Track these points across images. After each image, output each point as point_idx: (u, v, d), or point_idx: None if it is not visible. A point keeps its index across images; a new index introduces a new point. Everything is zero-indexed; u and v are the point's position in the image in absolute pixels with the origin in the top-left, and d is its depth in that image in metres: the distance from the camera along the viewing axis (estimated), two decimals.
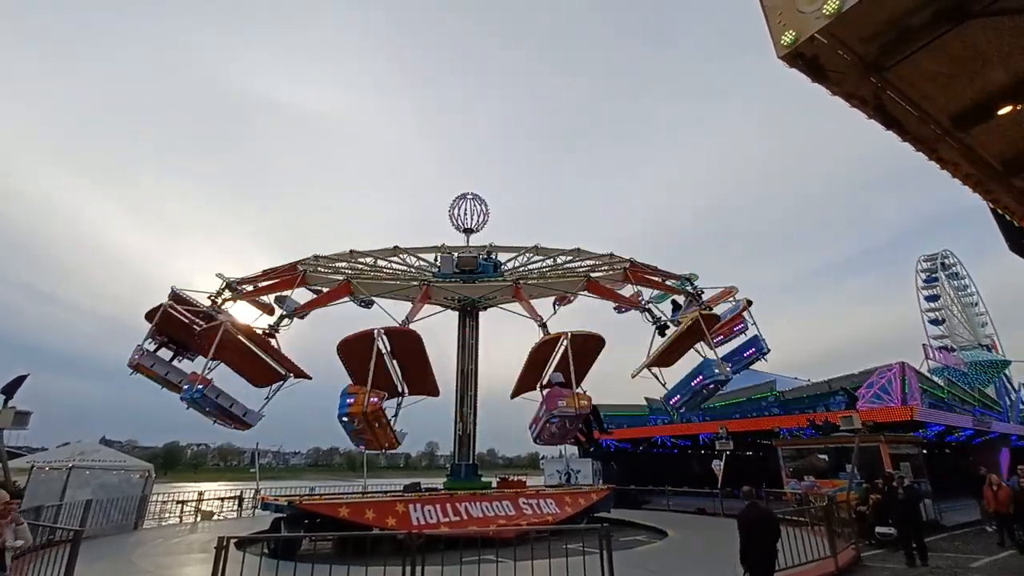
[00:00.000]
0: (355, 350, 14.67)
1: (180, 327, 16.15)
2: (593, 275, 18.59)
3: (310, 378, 16.83)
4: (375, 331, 14.57)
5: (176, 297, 16.44)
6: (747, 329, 17.76)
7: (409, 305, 20.38)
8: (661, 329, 16.45)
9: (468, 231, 24.32)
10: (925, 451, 21.35)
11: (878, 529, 13.74)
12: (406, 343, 15.38)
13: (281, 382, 16.73)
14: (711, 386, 14.82)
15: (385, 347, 15.21)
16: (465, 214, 24.37)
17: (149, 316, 16.04)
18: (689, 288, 17.39)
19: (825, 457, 20.55)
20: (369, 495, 18.88)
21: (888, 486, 13.52)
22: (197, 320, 16.14)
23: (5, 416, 9.04)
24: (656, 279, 18.28)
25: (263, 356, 16.27)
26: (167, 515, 21.72)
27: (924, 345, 49.39)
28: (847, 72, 2.59)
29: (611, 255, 19.41)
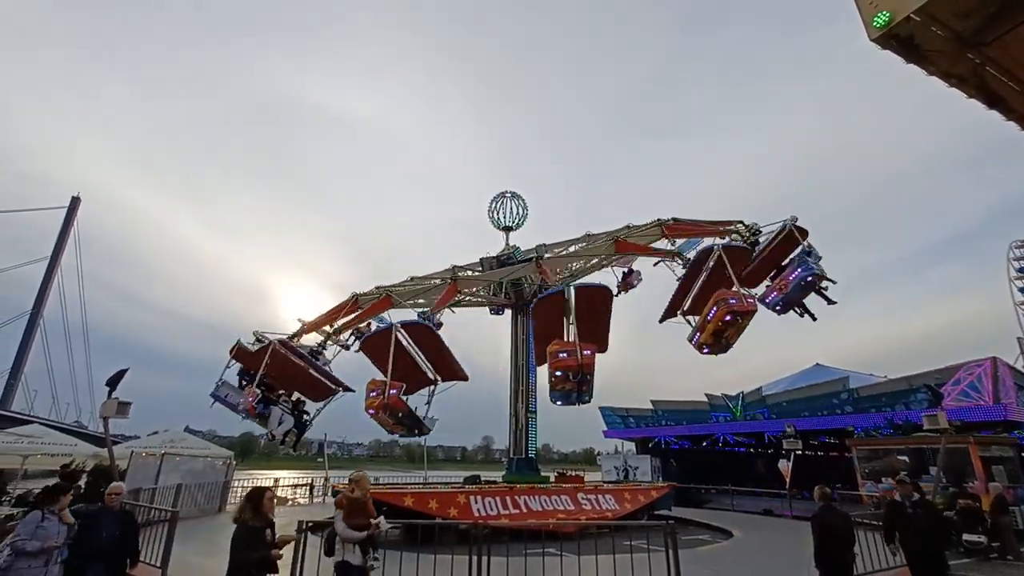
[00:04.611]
0: (378, 346, 15.12)
1: (284, 367, 16.79)
2: (621, 235, 18.20)
3: (353, 391, 17.50)
4: (392, 326, 15.07)
5: (240, 351, 16.82)
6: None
7: (476, 311, 21.06)
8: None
9: (507, 229, 24.62)
10: None
11: (965, 537, 12.80)
12: (424, 335, 15.83)
13: (333, 395, 17.53)
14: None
15: (406, 340, 15.59)
16: (504, 212, 24.68)
17: (236, 355, 16.72)
18: (741, 228, 16.55)
19: (905, 458, 19.30)
20: (430, 486, 19.40)
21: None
22: (309, 359, 16.98)
23: (110, 407, 9.90)
24: (700, 228, 17.55)
25: (314, 374, 17.01)
26: None
27: (1019, 339, 45.29)
28: (943, 50, 2.42)
29: (658, 220, 18.83)
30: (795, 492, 21.68)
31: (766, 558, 12.07)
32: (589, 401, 15.51)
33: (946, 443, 12.75)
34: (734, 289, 14.46)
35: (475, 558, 7.35)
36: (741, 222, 16.68)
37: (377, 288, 20.62)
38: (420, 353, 16.61)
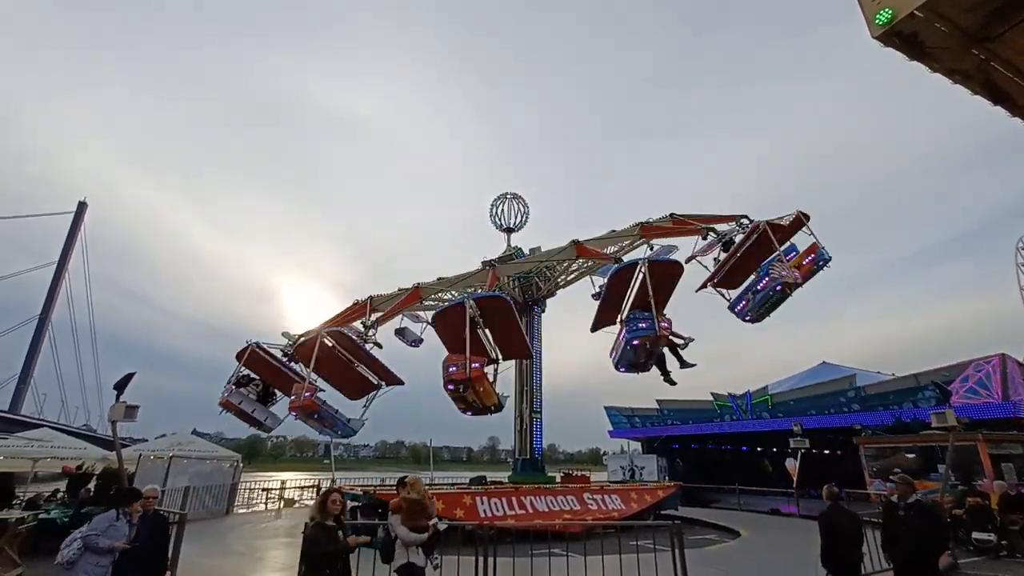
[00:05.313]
0: (449, 320, 14.37)
1: (267, 368, 16.66)
2: (584, 241, 17.85)
3: (403, 383, 16.74)
4: (464, 299, 14.20)
5: (253, 352, 16.56)
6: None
7: None
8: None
9: (509, 230, 24.71)
10: None
11: (975, 535, 12.72)
12: (495, 307, 14.67)
13: (375, 392, 16.54)
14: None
15: (476, 314, 14.51)
16: (505, 214, 24.72)
17: (239, 356, 16.48)
18: (744, 222, 15.95)
19: (913, 456, 19.18)
20: (436, 487, 19.40)
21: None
22: (283, 361, 16.69)
23: (118, 410, 9.89)
24: (684, 226, 16.77)
25: (358, 367, 16.23)
26: (254, 502, 23.30)
27: None
28: (948, 46, 2.40)
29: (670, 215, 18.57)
30: (802, 491, 21.58)
31: (773, 557, 12.02)
32: (496, 411, 14.55)
33: (954, 440, 12.65)
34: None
35: (481, 559, 7.36)
36: (745, 216, 16.36)
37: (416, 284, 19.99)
38: (487, 331, 15.27)
